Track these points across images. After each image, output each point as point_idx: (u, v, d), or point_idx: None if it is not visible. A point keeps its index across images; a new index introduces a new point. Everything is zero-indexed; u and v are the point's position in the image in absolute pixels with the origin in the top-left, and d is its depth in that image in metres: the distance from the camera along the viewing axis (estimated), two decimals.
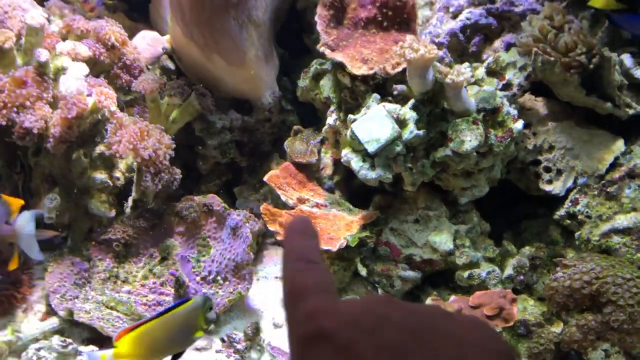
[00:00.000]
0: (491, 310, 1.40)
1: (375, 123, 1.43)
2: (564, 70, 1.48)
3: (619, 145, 1.58)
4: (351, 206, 1.64)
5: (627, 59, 1.54)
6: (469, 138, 1.40)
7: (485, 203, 1.65)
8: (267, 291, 1.62)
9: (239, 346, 1.38)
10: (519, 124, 1.44)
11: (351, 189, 1.70)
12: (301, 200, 1.61)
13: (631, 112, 1.53)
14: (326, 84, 1.63)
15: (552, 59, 1.47)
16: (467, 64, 1.53)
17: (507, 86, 1.56)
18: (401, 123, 1.43)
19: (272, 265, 1.70)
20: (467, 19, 1.71)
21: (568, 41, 1.48)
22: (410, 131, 1.42)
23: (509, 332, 1.39)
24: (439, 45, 1.72)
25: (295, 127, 1.73)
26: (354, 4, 1.58)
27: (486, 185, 1.54)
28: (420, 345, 0.39)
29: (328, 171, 1.70)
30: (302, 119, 1.89)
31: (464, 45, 1.73)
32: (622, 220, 1.49)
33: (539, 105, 1.61)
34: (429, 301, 1.39)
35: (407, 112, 1.44)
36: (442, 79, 1.39)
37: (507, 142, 1.44)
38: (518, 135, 1.45)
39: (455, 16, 1.76)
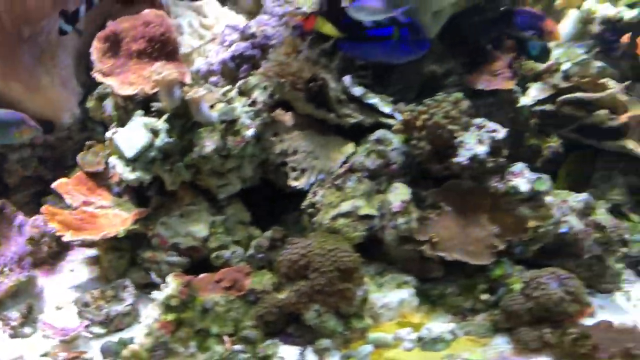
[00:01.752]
0: (228, 282, 1.71)
1: (133, 133, 1.75)
2: (292, 89, 1.85)
3: (350, 147, 1.96)
4: (133, 207, 1.93)
5: (347, 80, 1.94)
6: (208, 143, 1.74)
7: (253, 199, 1.98)
8: (57, 280, 1.88)
9: (13, 323, 1.63)
10: (250, 132, 1.79)
11: (137, 193, 2.00)
12: (87, 203, 1.89)
13: (352, 121, 1.92)
14: (108, 104, 1.95)
15: (283, 80, 1.84)
16: (208, 85, 1.89)
17: (253, 103, 1.91)
18: (155, 133, 1.76)
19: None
20: (236, 50, 2.08)
21: (296, 67, 1.86)
22: (162, 139, 1.75)
23: (242, 300, 1.70)
24: (213, 72, 2.08)
25: (88, 142, 2.03)
26: (128, 39, 1.91)
27: (238, 183, 1.88)
28: None
29: (116, 178, 1.99)
30: None
31: (234, 72, 2.09)
32: (345, 206, 1.85)
33: (287, 118, 1.98)
34: (170, 277, 1.68)
35: (160, 124, 1.76)
36: (184, 96, 1.73)
37: (242, 146, 1.78)
38: (250, 140, 1.80)
39: (228, 48, 2.13)
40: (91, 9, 1.77)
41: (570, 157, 2.14)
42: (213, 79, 2.05)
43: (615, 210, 2.01)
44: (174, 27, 1.92)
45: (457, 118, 1.77)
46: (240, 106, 1.84)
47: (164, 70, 1.70)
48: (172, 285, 1.64)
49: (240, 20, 2.27)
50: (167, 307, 1.60)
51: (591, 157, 2.09)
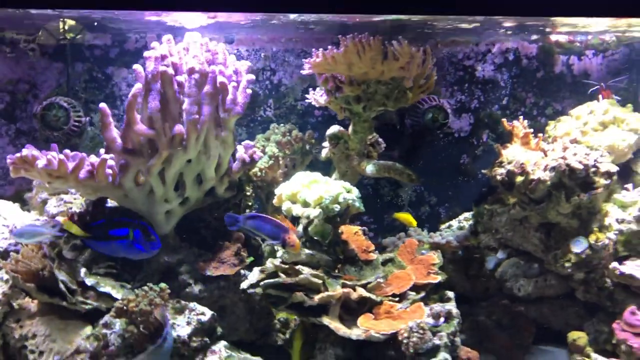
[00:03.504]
0: None
1: None
2: (24, 282, 2.16)
3: (87, 330, 2.22)
4: None
5: (81, 272, 2.26)
6: None
7: None
8: None
9: None
10: None
11: None
12: None
13: (87, 307, 2.21)
14: None
15: (15, 275, 2.16)
16: None
17: None
18: None
19: None
20: (0, 247, 2.41)
21: (28, 263, 2.19)
22: None
23: None
24: None
25: None
26: None
27: None
28: None
29: None
30: None
31: None
32: None
33: (32, 305, 2.26)
34: None
35: None
36: None
37: None
38: None
39: None
40: None
41: (295, 331, 2.44)
42: None
43: None
44: None
45: (159, 305, 2.09)
46: None
47: None
48: None
49: (28, 219, 2.63)
50: None
51: (312, 331, 2.39)
